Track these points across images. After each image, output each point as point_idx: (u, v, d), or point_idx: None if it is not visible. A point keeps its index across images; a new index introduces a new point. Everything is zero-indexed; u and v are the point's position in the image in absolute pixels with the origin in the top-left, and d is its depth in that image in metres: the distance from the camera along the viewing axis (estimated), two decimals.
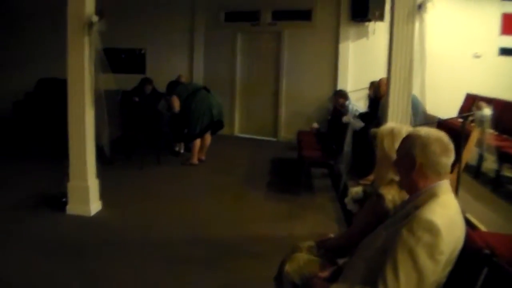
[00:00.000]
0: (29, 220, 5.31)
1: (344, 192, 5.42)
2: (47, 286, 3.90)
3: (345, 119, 6.35)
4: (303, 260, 2.87)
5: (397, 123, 3.94)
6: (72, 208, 5.54)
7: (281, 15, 10.19)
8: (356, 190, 3.26)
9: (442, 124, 4.83)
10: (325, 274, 2.58)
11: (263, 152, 8.98)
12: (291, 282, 2.78)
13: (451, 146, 2.23)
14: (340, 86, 9.31)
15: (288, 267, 2.87)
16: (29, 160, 7.89)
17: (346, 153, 6.07)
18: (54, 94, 8.51)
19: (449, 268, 2.18)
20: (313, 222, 5.48)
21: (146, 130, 8.19)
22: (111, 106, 8.18)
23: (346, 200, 3.27)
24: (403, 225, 2.16)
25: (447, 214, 2.14)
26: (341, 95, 8.25)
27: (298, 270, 2.80)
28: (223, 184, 7.05)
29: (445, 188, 2.22)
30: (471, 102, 6.82)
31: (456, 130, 4.46)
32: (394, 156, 2.48)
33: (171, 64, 10.43)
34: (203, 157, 8.28)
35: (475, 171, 6.23)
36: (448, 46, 8.60)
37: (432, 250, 2.06)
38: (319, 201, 6.28)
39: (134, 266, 4.34)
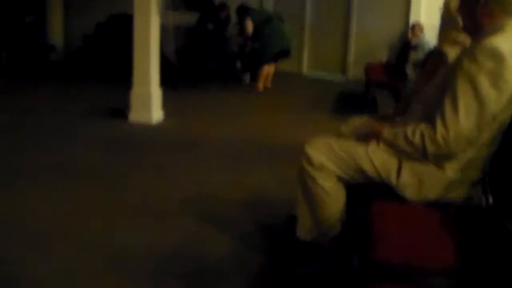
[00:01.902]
0: (92, 125, 5.53)
1: None
2: (106, 173, 4.05)
3: (414, 41, 6.05)
4: (359, 121, 2.74)
5: None
6: (135, 116, 5.63)
7: None
8: (416, 55, 3.11)
9: None
10: (382, 126, 2.43)
11: (332, 87, 8.81)
12: None
13: None
14: (412, 21, 8.88)
15: (343, 128, 2.76)
16: (96, 82, 8.18)
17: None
18: (123, 28, 8.60)
19: None
20: None
21: (214, 57, 8.18)
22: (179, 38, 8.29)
23: (407, 66, 3.12)
24: (465, 56, 2.03)
25: None
26: (419, 27, 7.89)
27: (354, 130, 2.67)
28: (287, 106, 7.06)
29: None
30: None
31: None
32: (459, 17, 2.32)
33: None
34: (268, 85, 8.24)
35: None
36: None
37: (496, 77, 1.92)
38: None
39: (191, 159, 4.44)
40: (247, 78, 8.88)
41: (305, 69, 10.42)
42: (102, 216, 3.22)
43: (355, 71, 9.70)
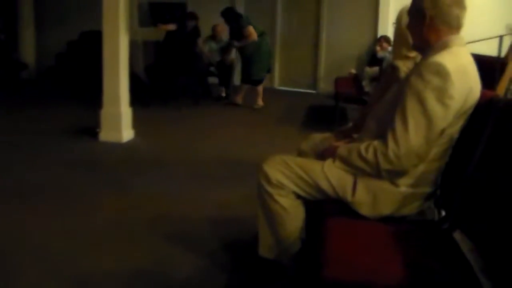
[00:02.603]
0: (62, 144, 5.52)
1: None
2: (73, 193, 4.06)
3: (380, 54, 6.18)
4: (319, 138, 2.82)
5: None
6: (105, 135, 5.65)
7: None
8: (372, 69, 3.18)
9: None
10: (339, 143, 2.52)
11: (302, 101, 8.90)
12: None
13: None
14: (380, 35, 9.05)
15: (303, 145, 2.83)
16: (69, 100, 8.15)
17: None
18: (95, 45, 8.60)
19: (461, 123, 2.11)
20: None
21: (184, 73, 8.16)
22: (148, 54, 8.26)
23: (364, 82, 3.20)
24: (413, 73, 2.09)
25: (459, 61, 2.06)
26: (386, 39, 8.03)
27: (314, 147, 2.75)
28: (258, 120, 7.18)
29: (458, 42, 2.13)
30: None
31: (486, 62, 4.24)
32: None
33: (211, 19, 10.35)
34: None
35: None
36: None
37: (441, 93, 1.99)
38: None
39: (160, 178, 4.47)
40: (222, 92, 8.81)
41: (276, 83, 10.51)
42: (67, 237, 3.21)
43: (325, 85, 9.83)
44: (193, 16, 8.63)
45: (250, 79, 7.98)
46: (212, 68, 8.90)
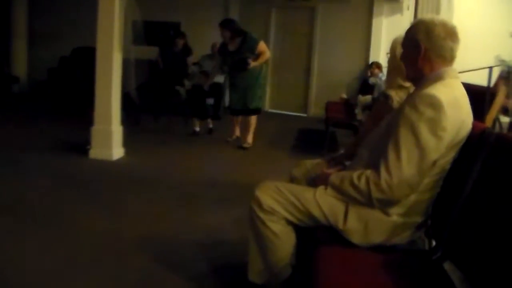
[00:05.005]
0: (52, 160, 5.50)
1: None
2: (62, 211, 4.04)
3: (371, 80, 6.25)
4: (310, 164, 2.83)
5: None
6: (95, 153, 5.64)
7: None
8: (365, 98, 3.22)
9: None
10: (330, 170, 2.53)
11: (292, 124, 8.95)
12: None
13: (456, 30, 2.17)
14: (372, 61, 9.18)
15: (295, 171, 2.84)
16: (60, 116, 8.19)
17: None
18: (87, 61, 8.61)
19: (453, 154, 2.13)
20: None
21: (174, 93, 8.14)
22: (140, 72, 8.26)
23: (356, 110, 3.23)
24: (407, 104, 2.12)
25: (452, 93, 2.09)
26: (377, 66, 8.12)
27: (306, 173, 2.76)
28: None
29: (452, 74, 2.17)
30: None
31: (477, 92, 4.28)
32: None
33: (205, 38, 10.42)
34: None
35: None
36: (481, 22, 8.33)
37: (435, 125, 2.01)
38: None
39: (149, 197, 4.45)
40: (196, 125, 7.62)
41: (267, 105, 10.57)
42: (54, 256, 3.18)
43: (316, 108, 9.91)
44: (181, 35, 8.59)
45: (249, 108, 6.72)
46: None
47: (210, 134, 7.51)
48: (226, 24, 6.41)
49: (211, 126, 7.59)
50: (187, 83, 8.09)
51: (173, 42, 8.53)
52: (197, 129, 7.49)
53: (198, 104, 7.48)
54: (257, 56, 6.38)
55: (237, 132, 7.09)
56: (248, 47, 6.34)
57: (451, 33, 2.15)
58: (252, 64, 6.33)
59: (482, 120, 4.38)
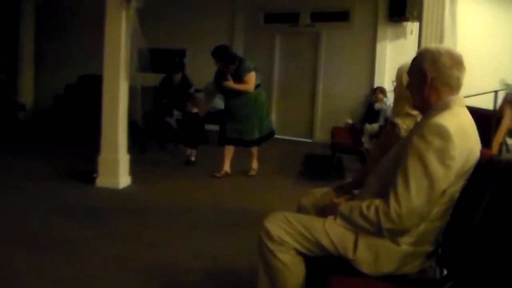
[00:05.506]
0: (58, 189, 5.51)
1: None
2: (69, 240, 4.01)
3: (377, 105, 6.26)
4: (319, 193, 2.83)
5: None
6: (102, 181, 5.65)
7: (319, 17, 10.20)
8: (372, 126, 3.22)
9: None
10: (339, 200, 2.53)
11: (298, 150, 8.95)
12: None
13: (462, 59, 2.19)
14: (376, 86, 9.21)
15: (304, 200, 2.84)
16: (65, 143, 8.20)
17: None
18: (93, 89, 8.69)
19: (462, 182, 2.12)
20: None
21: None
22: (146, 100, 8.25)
23: (363, 139, 3.23)
24: (415, 133, 2.13)
25: (459, 122, 2.09)
26: (381, 91, 8.16)
27: (315, 203, 2.76)
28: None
29: (458, 102, 2.18)
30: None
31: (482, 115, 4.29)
32: None
33: (210, 64, 10.48)
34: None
35: None
36: (485, 45, 8.39)
37: (443, 155, 2.01)
38: None
39: (156, 226, 4.44)
40: (192, 155, 7.37)
41: None
42: (62, 285, 3.16)
43: (321, 134, 9.92)
44: (177, 68, 8.45)
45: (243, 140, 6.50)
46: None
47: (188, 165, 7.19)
48: (217, 54, 6.30)
49: (192, 158, 7.30)
50: (176, 113, 8.01)
51: (171, 78, 8.33)
52: (192, 159, 7.29)
53: (190, 132, 7.36)
54: (241, 82, 6.24)
55: (226, 167, 6.58)
56: (239, 74, 6.27)
57: (457, 62, 2.17)
58: (228, 83, 6.23)
59: (489, 143, 4.39)
